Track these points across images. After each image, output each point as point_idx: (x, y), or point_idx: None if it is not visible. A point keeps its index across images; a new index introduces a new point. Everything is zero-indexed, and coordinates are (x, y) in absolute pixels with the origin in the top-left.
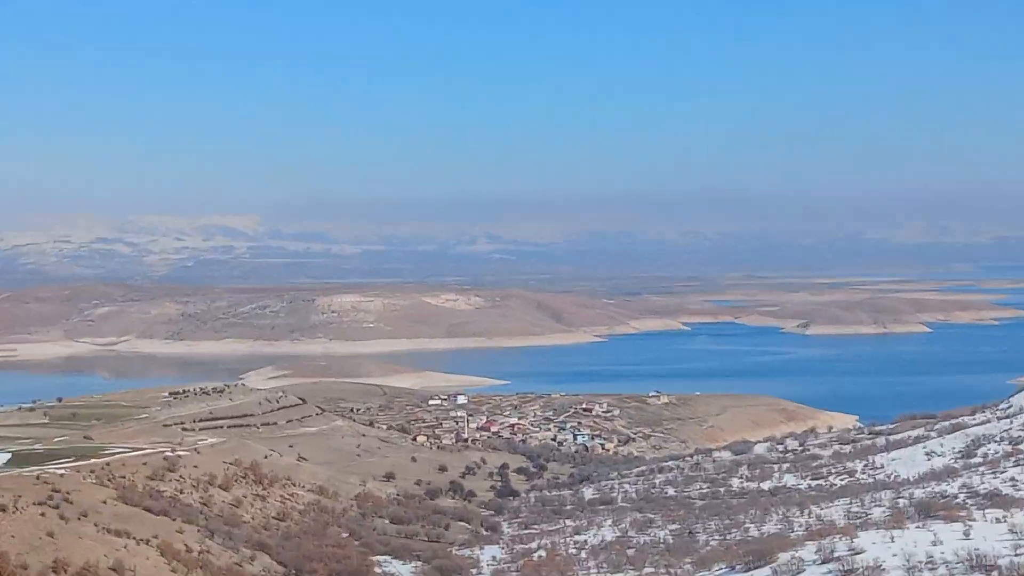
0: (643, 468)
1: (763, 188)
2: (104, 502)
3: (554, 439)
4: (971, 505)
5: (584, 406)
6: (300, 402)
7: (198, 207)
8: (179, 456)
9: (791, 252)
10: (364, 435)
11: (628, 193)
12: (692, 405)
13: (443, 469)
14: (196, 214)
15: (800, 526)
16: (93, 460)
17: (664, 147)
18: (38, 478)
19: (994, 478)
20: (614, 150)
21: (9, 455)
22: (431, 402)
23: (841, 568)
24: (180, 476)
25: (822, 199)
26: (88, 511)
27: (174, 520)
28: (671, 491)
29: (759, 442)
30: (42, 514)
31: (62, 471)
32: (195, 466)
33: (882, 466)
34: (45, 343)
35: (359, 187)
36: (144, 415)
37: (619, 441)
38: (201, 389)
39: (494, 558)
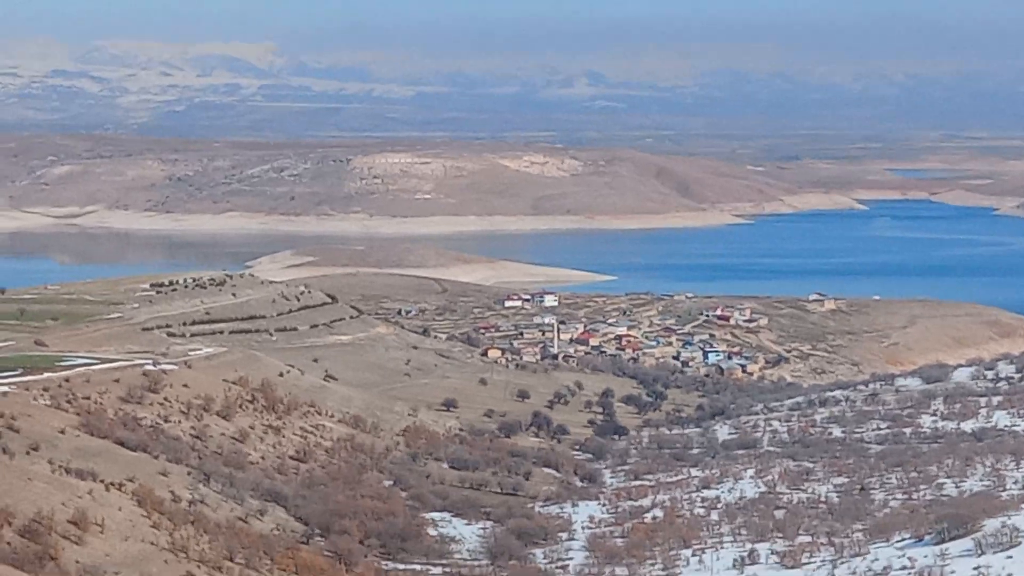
0: (799, 399)
1: (967, 14)
2: (62, 432)
3: (677, 357)
4: None
5: (719, 313)
6: (329, 300)
7: (192, 30)
8: (164, 371)
9: (1008, 103)
10: (416, 347)
11: (784, 20)
12: (869, 314)
13: (523, 396)
14: (190, 40)
15: (1015, 482)
16: (47, 374)
17: None
18: None
19: None
20: None
21: None
22: (508, 304)
23: None
24: (165, 399)
25: None
26: (40, 444)
27: (156, 458)
28: (837, 432)
29: (961, 366)
30: None
31: (5, 388)
32: (185, 385)
33: None
34: None
35: (412, 7)
36: (117, 314)
37: (767, 362)
38: (194, 280)
39: (591, 518)
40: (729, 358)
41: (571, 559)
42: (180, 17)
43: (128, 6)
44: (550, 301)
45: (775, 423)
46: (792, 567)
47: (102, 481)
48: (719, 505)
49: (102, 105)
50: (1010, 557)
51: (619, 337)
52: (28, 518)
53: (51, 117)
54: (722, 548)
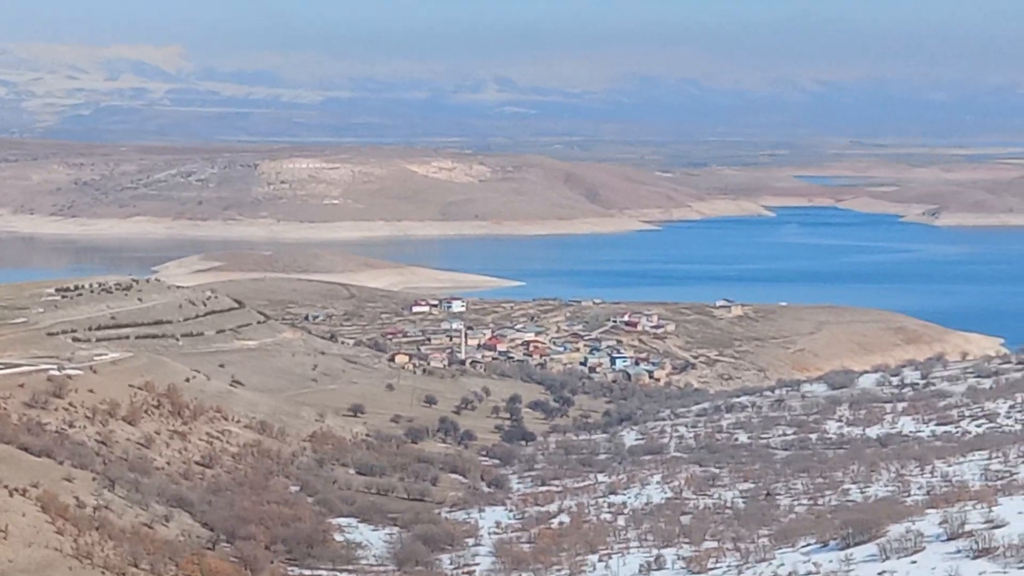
0: (706, 405)
1: (879, 20)
2: None
3: (584, 363)
4: None
5: (627, 319)
6: (236, 306)
7: (100, 33)
8: (68, 376)
9: (916, 111)
10: (323, 353)
11: (694, 26)
12: (775, 320)
13: (431, 402)
14: (97, 43)
15: (919, 488)
16: None
17: None
18: None
19: None
20: None
21: None
22: (416, 309)
23: (974, 545)
24: (70, 404)
25: (961, 38)
26: None
27: (61, 464)
28: (743, 438)
29: (866, 372)
30: None
31: None
32: (90, 390)
33: None
34: None
35: (323, 10)
36: (21, 319)
37: (674, 368)
38: (100, 285)
39: (498, 524)
40: (636, 364)
41: (478, 564)
42: (88, 20)
43: (35, 9)
44: (458, 307)
45: (682, 429)
46: (698, 572)
47: (5, 487)
48: (626, 511)
49: (7, 108)
50: (914, 562)
51: (527, 343)
52: None
53: None
54: (628, 553)
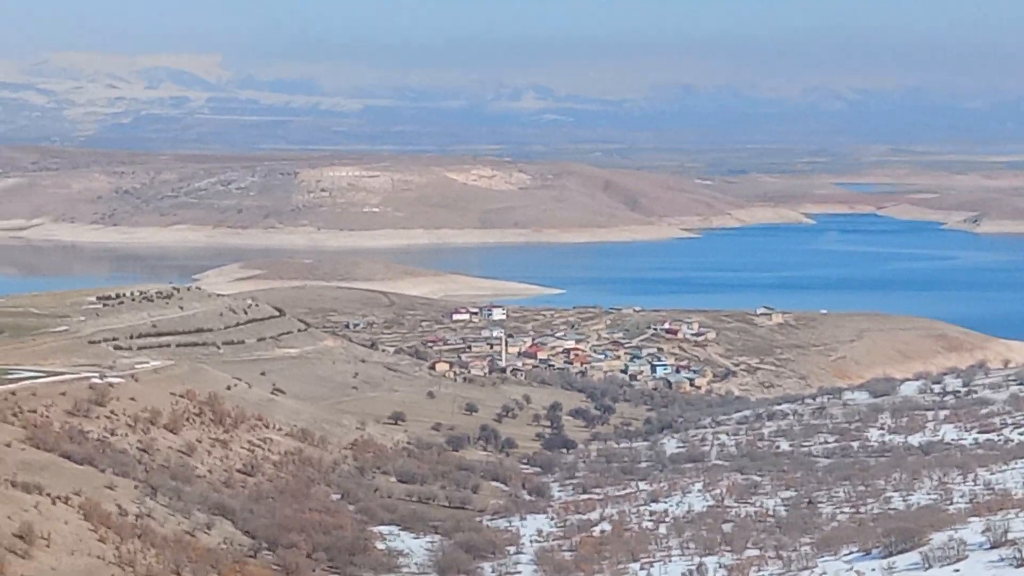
0: (747, 413)
1: (918, 28)
2: (7, 445)
3: (625, 371)
4: None
5: (667, 326)
6: (277, 314)
7: (140, 43)
8: (110, 384)
9: (955, 118)
10: (364, 361)
11: (733, 34)
12: (816, 328)
13: (471, 409)
14: (137, 52)
15: (962, 496)
16: None
17: None
18: None
19: None
20: None
21: None
22: (456, 317)
23: (1017, 554)
24: (111, 412)
25: (1000, 45)
26: None
27: (103, 471)
28: (785, 445)
29: (908, 380)
30: None
31: None
32: (132, 398)
33: None
34: None
35: (361, 19)
36: (63, 327)
37: (715, 375)
38: (141, 293)
39: (539, 532)
40: (677, 371)
41: (519, 573)
42: (128, 29)
43: (76, 19)
44: (498, 315)
45: (723, 436)
46: None
47: (48, 495)
48: (667, 519)
49: (48, 117)
50: (957, 571)
51: (567, 351)
52: None
53: None
54: (670, 562)
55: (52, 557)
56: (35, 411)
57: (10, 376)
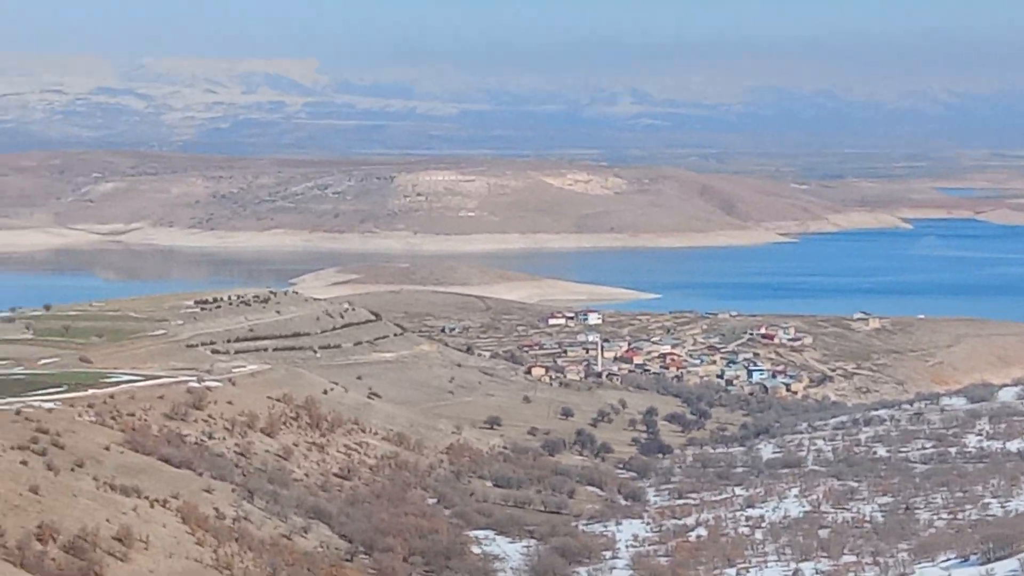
0: (843, 418)
1: (1015, 31)
2: (106, 448)
3: (721, 376)
4: None
5: (763, 331)
6: (373, 318)
7: (237, 47)
8: (208, 388)
9: None
10: (460, 365)
11: (829, 37)
12: (913, 333)
13: (567, 414)
14: (234, 57)
15: None
16: (92, 391)
17: None
18: (18, 414)
19: None
20: None
21: None
22: (552, 322)
23: None
24: (209, 415)
25: None
26: (85, 460)
27: (200, 475)
28: (882, 451)
29: (1006, 385)
30: (23, 462)
31: (50, 405)
32: (229, 402)
33: None
34: (27, 230)
35: (458, 23)
36: (161, 331)
37: (811, 381)
38: (238, 297)
39: (635, 537)
40: (773, 377)
41: None
42: (225, 35)
43: (173, 24)
44: (594, 319)
45: (819, 442)
46: None
47: (147, 498)
48: (763, 524)
49: (147, 122)
50: None
51: (663, 355)
52: (73, 534)
53: (96, 134)
54: (766, 567)
55: (150, 559)
56: (133, 415)
57: (109, 380)
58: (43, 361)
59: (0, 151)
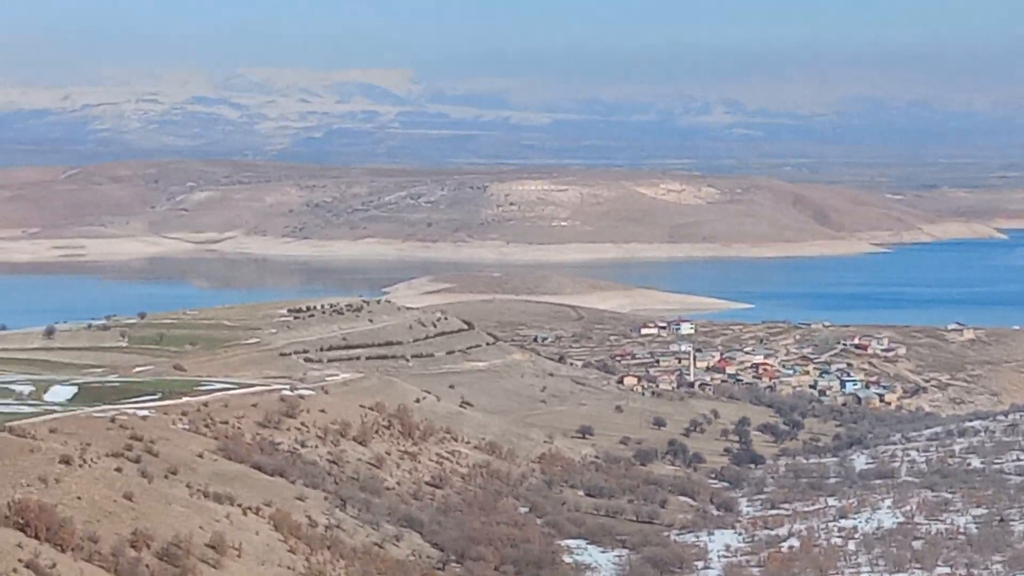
0: (937, 429)
1: None
2: (200, 456)
3: (814, 386)
4: None
5: (856, 342)
6: (465, 327)
7: (331, 57)
8: (301, 396)
9: None
10: (552, 374)
11: (923, 47)
12: (1009, 344)
13: (659, 424)
14: (328, 67)
15: None
16: (186, 399)
17: None
18: (113, 421)
19: None
20: None
21: (75, 389)
22: (644, 331)
23: None
24: (302, 424)
25: None
26: (179, 467)
27: (293, 483)
28: (976, 462)
29: None
30: (118, 469)
31: (145, 412)
32: (322, 411)
33: None
34: (122, 238)
35: (550, 33)
36: (254, 339)
37: (905, 391)
38: (331, 306)
39: (727, 547)
40: (867, 387)
41: None
42: (319, 44)
43: (268, 34)
44: (686, 329)
45: (913, 453)
46: None
47: (239, 505)
48: (856, 535)
49: (241, 131)
50: None
51: (756, 365)
52: (167, 541)
53: (191, 143)
54: None
55: (243, 567)
56: (227, 422)
57: (202, 387)
58: (138, 369)
59: (96, 160)
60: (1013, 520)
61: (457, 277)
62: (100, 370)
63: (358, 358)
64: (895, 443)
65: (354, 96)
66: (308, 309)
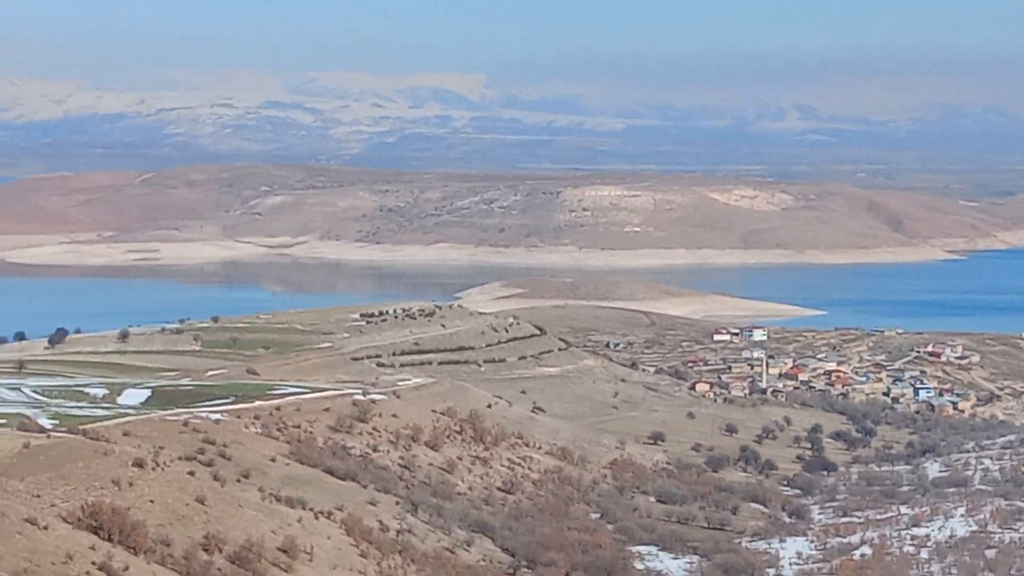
0: (1012, 438)
1: None
2: (272, 460)
3: (887, 394)
4: None
5: (930, 349)
6: (537, 332)
7: (404, 62)
8: (373, 401)
9: None
10: (623, 380)
11: (998, 53)
12: None
13: (731, 430)
14: (401, 72)
15: None
16: (258, 403)
17: None
18: (186, 424)
19: None
20: None
21: (149, 392)
22: (717, 338)
23: None
24: (374, 428)
25: None
26: (251, 471)
27: (365, 487)
28: None
29: None
30: (190, 473)
31: (217, 416)
32: (394, 415)
33: None
34: (196, 242)
35: (623, 39)
36: (327, 344)
37: (979, 399)
38: (404, 311)
39: (799, 554)
40: (940, 395)
41: None
42: (392, 49)
43: (342, 39)
44: (759, 335)
45: (987, 461)
46: None
47: (311, 509)
48: (929, 543)
49: (315, 136)
50: None
51: (828, 372)
52: (239, 545)
53: (265, 148)
54: None
55: (314, 571)
56: (299, 427)
57: (275, 391)
58: (210, 372)
59: (171, 164)
60: None
61: (529, 282)
62: (173, 373)
63: (430, 363)
64: (969, 451)
65: (427, 101)
66: (381, 314)
